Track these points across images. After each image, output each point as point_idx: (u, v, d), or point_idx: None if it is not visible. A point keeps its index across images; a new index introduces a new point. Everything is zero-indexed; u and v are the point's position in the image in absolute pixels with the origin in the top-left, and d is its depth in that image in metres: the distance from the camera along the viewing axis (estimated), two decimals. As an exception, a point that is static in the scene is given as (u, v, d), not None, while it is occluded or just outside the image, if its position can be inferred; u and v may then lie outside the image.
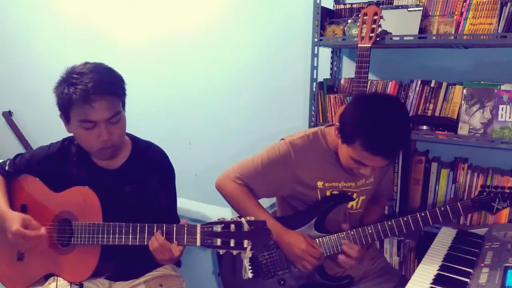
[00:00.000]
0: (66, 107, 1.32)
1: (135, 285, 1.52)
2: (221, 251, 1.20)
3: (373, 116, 1.32)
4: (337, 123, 1.43)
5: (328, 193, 1.54)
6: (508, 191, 1.42)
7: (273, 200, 1.83)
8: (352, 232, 1.49)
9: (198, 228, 1.22)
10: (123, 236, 1.29)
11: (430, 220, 1.45)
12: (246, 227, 1.17)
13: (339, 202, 1.53)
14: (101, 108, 1.30)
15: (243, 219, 1.18)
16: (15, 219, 1.34)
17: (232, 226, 1.18)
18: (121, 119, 1.37)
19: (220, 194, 1.61)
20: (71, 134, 1.49)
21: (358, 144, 1.33)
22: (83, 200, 1.36)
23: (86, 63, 1.36)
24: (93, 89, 1.27)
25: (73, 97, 1.28)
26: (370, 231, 1.48)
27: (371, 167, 1.38)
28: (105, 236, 1.30)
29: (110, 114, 1.32)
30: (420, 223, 1.45)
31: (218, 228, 1.19)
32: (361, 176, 1.47)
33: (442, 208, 1.45)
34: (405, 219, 1.46)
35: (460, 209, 1.44)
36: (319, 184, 1.52)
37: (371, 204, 1.68)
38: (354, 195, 1.56)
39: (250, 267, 1.54)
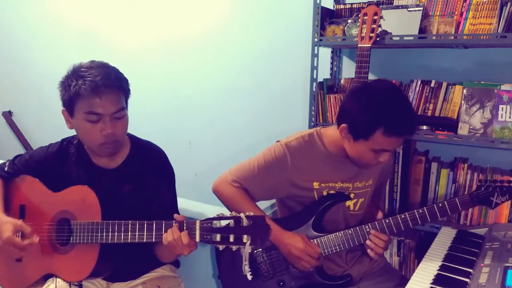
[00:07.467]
0: (72, 99, 1.33)
1: (132, 286, 1.51)
2: (221, 247, 1.19)
3: (383, 102, 1.34)
4: (344, 125, 1.40)
5: (324, 193, 1.54)
6: (507, 184, 1.40)
7: (273, 201, 1.82)
8: (350, 231, 1.49)
9: (197, 224, 1.21)
10: (122, 234, 1.29)
11: (428, 216, 1.44)
12: (245, 222, 1.17)
13: (336, 201, 1.53)
14: (107, 101, 1.31)
15: (242, 214, 1.18)
16: (7, 226, 1.30)
17: (232, 221, 1.18)
18: (125, 115, 1.38)
19: (217, 197, 1.60)
20: (71, 134, 1.49)
21: (380, 133, 1.34)
22: (82, 199, 1.36)
23: (93, 61, 1.38)
24: (102, 81, 1.30)
25: (81, 88, 1.29)
26: (368, 229, 1.48)
27: (390, 151, 1.43)
28: (104, 234, 1.30)
29: (115, 108, 1.33)
30: (418, 220, 1.45)
31: (217, 224, 1.19)
32: (378, 164, 1.45)
33: (440, 204, 1.44)
34: (402, 216, 1.46)
35: (458, 204, 1.43)
36: (315, 185, 1.52)
37: (369, 207, 1.67)
38: (352, 195, 1.55)
39: (249, 269, 1.54)
